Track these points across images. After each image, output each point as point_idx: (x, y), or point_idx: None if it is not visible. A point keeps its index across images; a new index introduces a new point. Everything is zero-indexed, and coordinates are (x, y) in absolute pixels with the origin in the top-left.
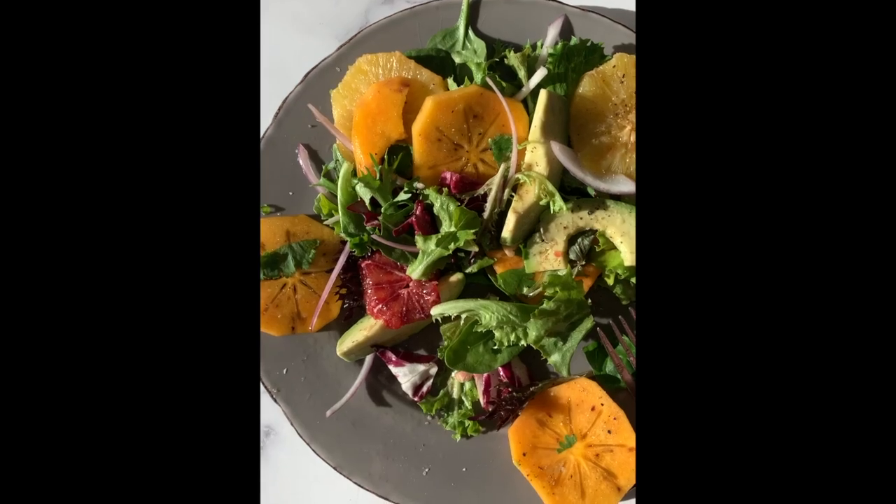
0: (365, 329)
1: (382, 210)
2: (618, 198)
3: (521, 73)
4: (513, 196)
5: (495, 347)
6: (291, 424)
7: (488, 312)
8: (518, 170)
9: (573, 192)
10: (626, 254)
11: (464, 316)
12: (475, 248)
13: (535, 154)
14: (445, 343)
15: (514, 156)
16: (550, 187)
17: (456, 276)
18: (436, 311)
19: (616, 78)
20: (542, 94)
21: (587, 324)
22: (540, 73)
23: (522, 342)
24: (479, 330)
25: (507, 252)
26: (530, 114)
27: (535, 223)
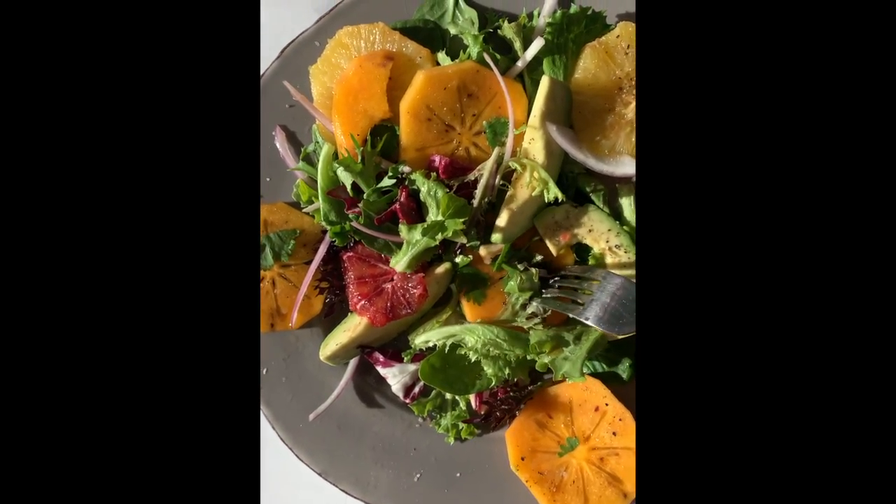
0: (349, 330)
1: (364, 196)
2: (622, 180)
3: (517, 46)
4: (505, 185)
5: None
6: (273, 428)
7: (473, 336)
8: (514, 157)
9: (579, 196)
10: None
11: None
12: (463, 239)
13: (534, 146)
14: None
15: (509, 141)
16: (543, 174)
17: (443, 267)
18: (419, 341)
19: (620, 49)
20: (544, 81)
21: (595, 333)
22: (537, 44)
23: (511, 375)
24: (463, 353)
25: (483, 256)
26: (527, 91)
27: (530, 221)
